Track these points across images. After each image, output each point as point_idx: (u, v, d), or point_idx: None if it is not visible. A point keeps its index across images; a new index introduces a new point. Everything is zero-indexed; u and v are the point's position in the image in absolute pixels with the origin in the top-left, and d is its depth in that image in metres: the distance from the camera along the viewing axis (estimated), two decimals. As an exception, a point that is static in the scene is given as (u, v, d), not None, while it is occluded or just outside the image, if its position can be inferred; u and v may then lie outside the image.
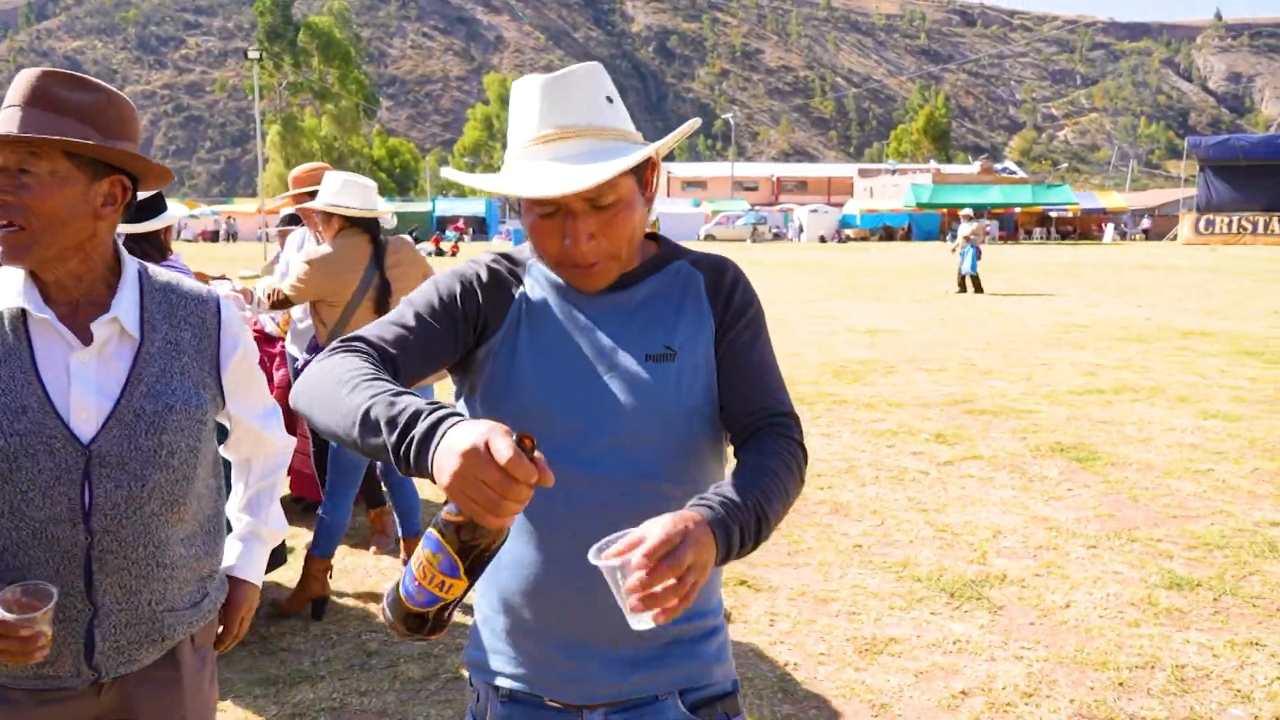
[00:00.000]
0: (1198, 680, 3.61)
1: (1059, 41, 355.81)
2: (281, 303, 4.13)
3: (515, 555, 1.46)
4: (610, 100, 1.45)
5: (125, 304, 1.62)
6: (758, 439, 1.46)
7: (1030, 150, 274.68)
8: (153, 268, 1.71)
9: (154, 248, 3.61)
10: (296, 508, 5.65)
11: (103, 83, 1.59)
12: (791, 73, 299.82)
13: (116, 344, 1.61)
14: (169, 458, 1.61)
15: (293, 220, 5.31)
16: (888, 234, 57.95)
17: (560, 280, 1.50)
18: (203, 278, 4.32)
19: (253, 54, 37.99)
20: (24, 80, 1.54)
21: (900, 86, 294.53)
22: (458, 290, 1.49)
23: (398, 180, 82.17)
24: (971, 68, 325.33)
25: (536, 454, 1.11)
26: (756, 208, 70.29)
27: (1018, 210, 59.09)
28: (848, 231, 59.27)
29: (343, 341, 1.39)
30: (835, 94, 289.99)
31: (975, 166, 78.73)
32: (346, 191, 4.11)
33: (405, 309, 1.47)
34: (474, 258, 1.56)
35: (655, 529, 1.19)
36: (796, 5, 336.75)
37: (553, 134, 1.40)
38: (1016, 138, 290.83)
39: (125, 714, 1.68)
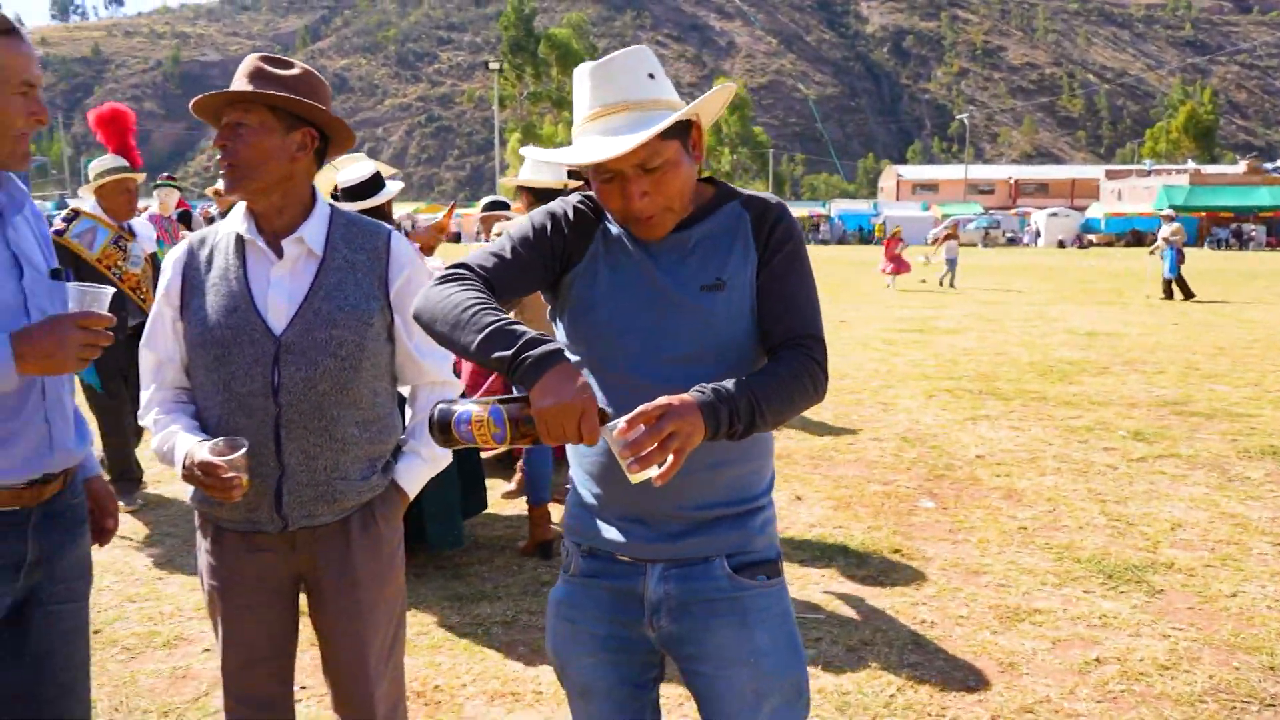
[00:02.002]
0: (1360, 671, 3.48)
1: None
2: None
3: (596, 445, 1.79)
4: (652, 76, 1.70)
5: (311, 229, 2.09)
6: (779, 353, 1.71)
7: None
8: (343, 207, 2.20)
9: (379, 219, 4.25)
10: (492, 462, 6.26)
11: (299, 61, 2.09)
12: (1036, 70, 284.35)
13: (305, 260, 2.09)
14: (337, 348, 2.05)
15: (495, 206, 5.90)
16: (1135, 239, 54.00)
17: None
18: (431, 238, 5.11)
19: (493, 66, 40.32)
20: (245, 63, 2.06)
21: (1159, 81, 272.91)
22: (548, 226, 1.78)
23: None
24: (1245, 59, 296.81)
25: (604, 425, 1.49)
26: (990, 211, 67.46)
27: (1290, 214, 53.64)
28: (1090, 236, 55.79)
29: (452, 268, 1.76)
30: (1085, 91, 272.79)
31: (1240, 166, 71.89)
32: (537, 169, 4.64)
33: (505, 241, 1.80)
34: (565, 198, 1.88)
35: (644, 404, 1.50)
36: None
37: (600, 110, 1.68)
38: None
39: (311, 569, 2.16)
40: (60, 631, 2.04)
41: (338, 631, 2.16)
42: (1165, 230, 18.99)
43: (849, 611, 4.05)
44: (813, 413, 7.99)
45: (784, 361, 1.68)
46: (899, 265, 21.97)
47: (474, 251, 1.81)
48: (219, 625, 2.17)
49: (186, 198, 12.04)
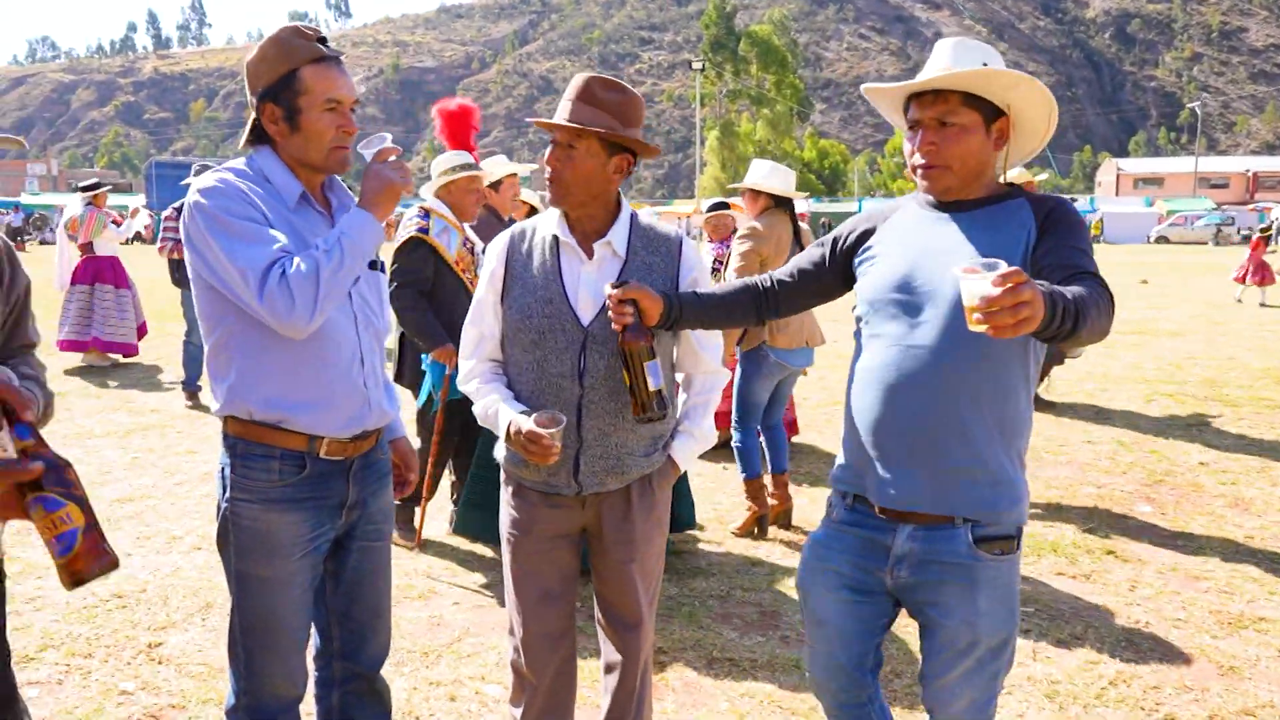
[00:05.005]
0: None
1: None
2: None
3: (865, 401, 2.09)
4: (985, 64, 2.02)
5: (617, 234, 2.39)
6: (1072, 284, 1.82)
7: None
8: (640, 214, 2.52)
9: None
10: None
11: (625, 84, 2.36)
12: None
13: (610, 261, 2.39)
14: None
15: (718, 207, 6.18)
16: (1397, 236, 48.58)
17: (926, 198, 2.14)
18: None
19: (696, 65, 40.85)
20: (576, 81, 2.35)
21: None
22: (823, 246, 2.33)
23: (826, 181, 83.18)
24: None
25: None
26: (1224, 207, 62.37)
27: None
28: (1342, 233, 50.63)
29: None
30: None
31: None
32: (773, 176, 4.92)
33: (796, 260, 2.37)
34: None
35: (1012, 268, 1.55)
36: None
37: (948, 68, 2.03)
38: None
39: (596, 524, 2.49)
40: (370, 564, 2.46)
41: (616, 575, 2.49)
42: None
43: (1060, 607, 4.08)
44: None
45: (1084, 288, 1.77)
46: (1264, 274, 17.16)
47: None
48: (515, 569, 2.51)
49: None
